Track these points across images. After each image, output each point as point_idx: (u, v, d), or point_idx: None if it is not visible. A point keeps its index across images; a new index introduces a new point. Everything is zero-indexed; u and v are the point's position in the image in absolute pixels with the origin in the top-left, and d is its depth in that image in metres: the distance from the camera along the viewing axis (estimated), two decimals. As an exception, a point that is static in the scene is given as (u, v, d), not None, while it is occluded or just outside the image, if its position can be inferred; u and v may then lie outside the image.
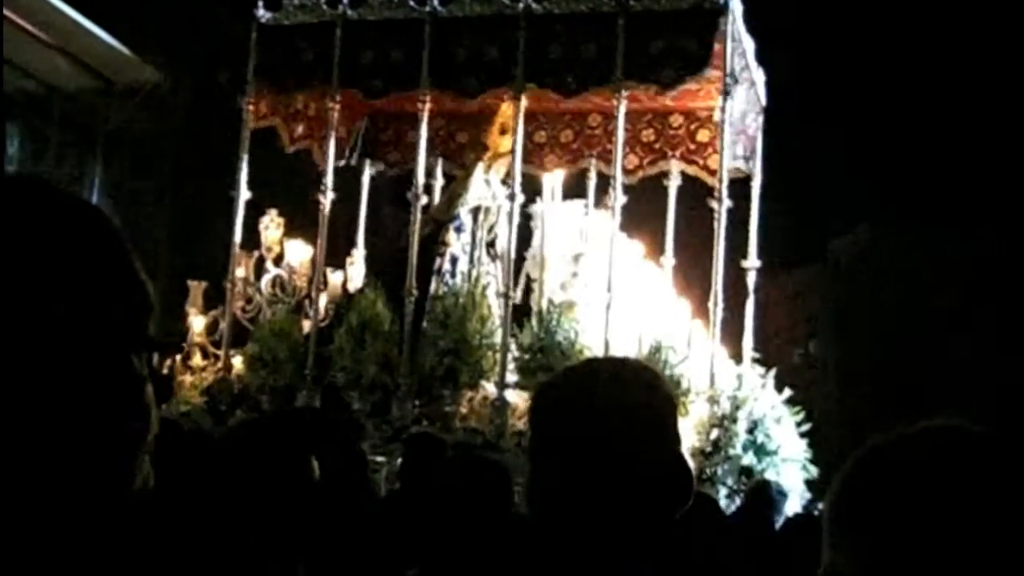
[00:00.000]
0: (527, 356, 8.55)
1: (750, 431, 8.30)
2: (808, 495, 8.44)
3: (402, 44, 9.16)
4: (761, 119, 9.88)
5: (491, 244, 9.40)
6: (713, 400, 8.36)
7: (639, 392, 1.69)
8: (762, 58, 9.73)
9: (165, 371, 8.96)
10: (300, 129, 10.22)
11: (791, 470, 8.35)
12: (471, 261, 9.27)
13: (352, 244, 10.44)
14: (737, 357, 9.01)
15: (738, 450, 8.21)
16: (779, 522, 6.41)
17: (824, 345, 19.44)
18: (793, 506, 7.51)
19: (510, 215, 8.95)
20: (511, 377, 8.58)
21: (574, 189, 10.05)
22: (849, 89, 16.48)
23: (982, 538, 1.01)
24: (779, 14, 9.29)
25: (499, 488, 2.63)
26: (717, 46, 8.62)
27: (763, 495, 6.68)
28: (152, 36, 12.49)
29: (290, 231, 9.69)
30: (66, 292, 0.97)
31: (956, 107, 16.98)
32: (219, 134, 11.93)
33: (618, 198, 8.82)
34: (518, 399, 8.33)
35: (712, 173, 9.59)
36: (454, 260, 9.24)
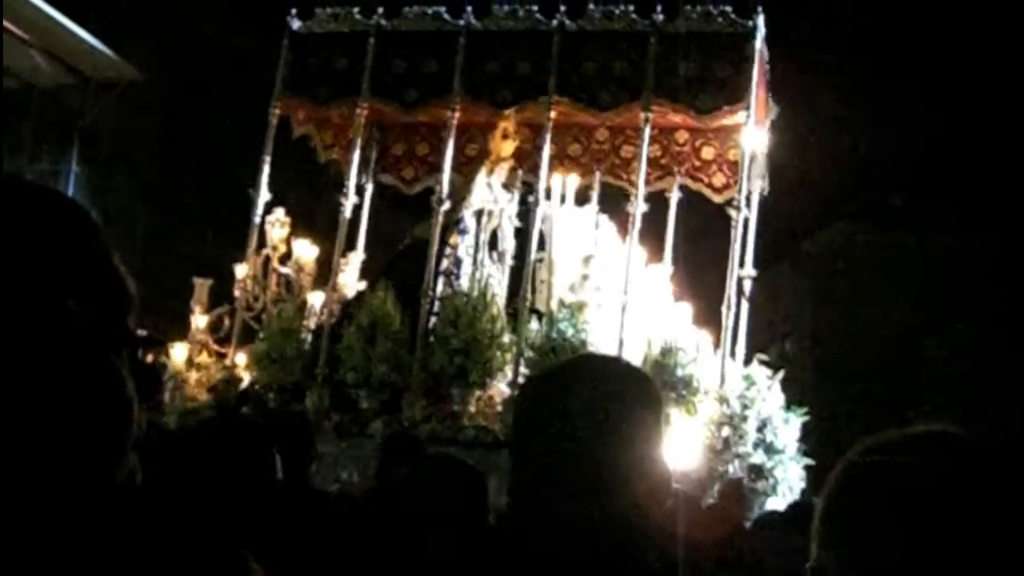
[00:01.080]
0: (538, 356, 8.56)
1: (759, 430, 8.34)
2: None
3: (435, 55, 9.28)
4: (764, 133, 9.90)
5: (493, 247, 9.40)
6: (722, 399, 8.39)
7: (621, 390, 1.67)
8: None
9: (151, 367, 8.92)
10: (328, 138, 10.28)
11: (796, 468, 8.38)
12: (474, 263, 9.27)
13: (352, 247, 10.38)
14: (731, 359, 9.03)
15: (748, 448, 8.25)
16: (750, 519, 6.50)
17: (800, 344, 19.38)
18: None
19: (531, 219, 8.99)
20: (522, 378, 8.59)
21: (580, 193, 10.05)
22: (834, 87, 16.37)
23: (968, 543, 1.02)
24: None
25: (466, 491, 2.61)
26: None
27: (737, 493, 6.79)
28: (128, 31, 12.44)
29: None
30: (44, 289, 0.97)
31: (934, 105, 16.89)
32: (201, 132, 11.90)
33: (639, 206, 8.92)
34: (527, 399, 8.29)
35: (717, 191, 9.77)
36: (459, 262, 9.25)
